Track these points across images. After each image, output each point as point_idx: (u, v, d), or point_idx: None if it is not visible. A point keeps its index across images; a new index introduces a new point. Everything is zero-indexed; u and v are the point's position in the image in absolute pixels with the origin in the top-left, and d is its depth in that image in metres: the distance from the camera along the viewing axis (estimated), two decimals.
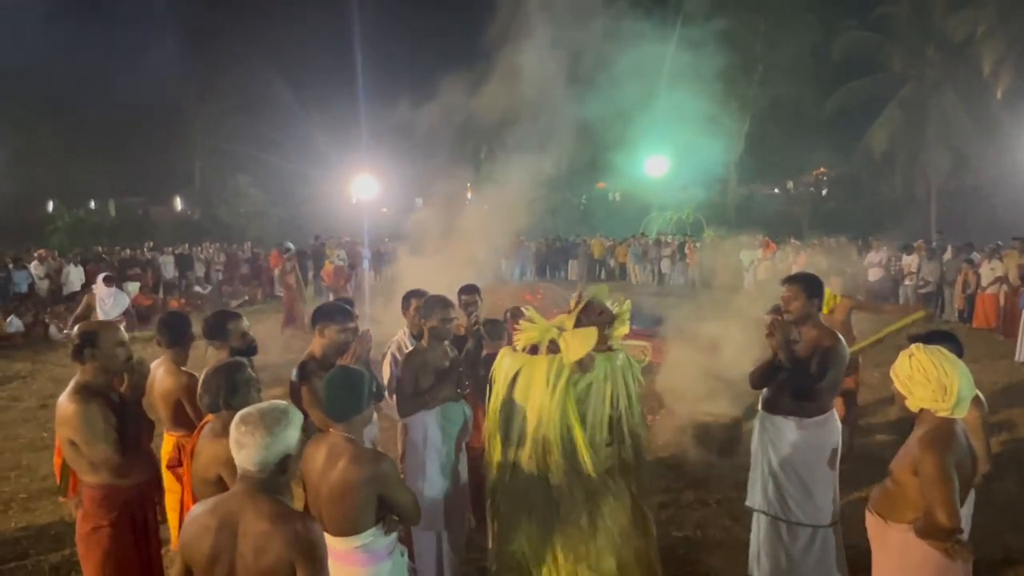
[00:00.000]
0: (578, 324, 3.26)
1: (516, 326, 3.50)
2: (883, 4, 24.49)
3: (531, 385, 3.17)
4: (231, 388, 2.68)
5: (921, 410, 2.53)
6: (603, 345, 3.21)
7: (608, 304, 3.40)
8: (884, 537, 2.66)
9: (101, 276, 11.10)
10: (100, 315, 9.80)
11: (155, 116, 32.36)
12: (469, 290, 4.82)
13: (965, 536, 2.60)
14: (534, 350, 3.29)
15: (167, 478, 3.50)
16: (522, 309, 3.71)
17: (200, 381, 2.87)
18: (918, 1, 23.72)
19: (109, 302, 10.29)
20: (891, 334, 5.74)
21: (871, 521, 2.72)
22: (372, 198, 22.50)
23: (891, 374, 2.63)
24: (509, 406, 3.25)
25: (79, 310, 10.45)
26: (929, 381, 2.46)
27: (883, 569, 2.70)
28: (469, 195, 34.34)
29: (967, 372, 2.49)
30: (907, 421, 2.70)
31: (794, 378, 3.62)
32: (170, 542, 3.62)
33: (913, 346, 2.58)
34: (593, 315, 3.28)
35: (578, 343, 3.11)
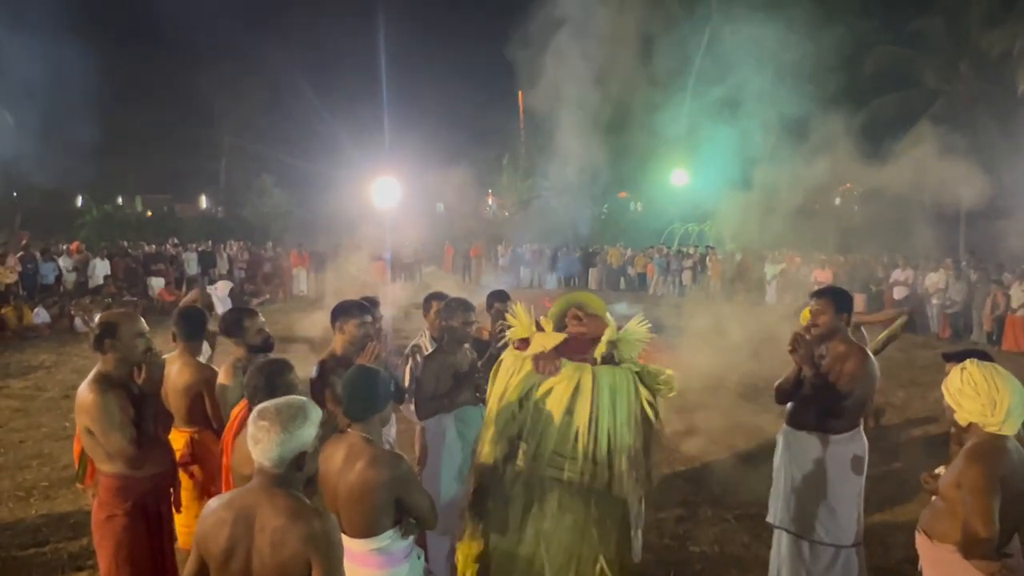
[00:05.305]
0: (557, 328, 3.22)
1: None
2: (917, 18, 24.18)
3: (499, 379, 3.17)
4: (268, 391, 2.66)
5: (970, 424, 2.49)
6: (580, 355, 3.09)
7: (602, 317, 3.30)
8: (931, 557, 2.61)
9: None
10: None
11: (184, 116, 32.95)
12: (502, 297, 4.69)
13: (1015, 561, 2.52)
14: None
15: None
16: (515, 308, 3.65)
17: (245, 375, 2.89)
18: (953, 16, 23.37)
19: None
20: (880, 346, 5.71)
21: (920, 540, 2.68)
22: (394, 203, 22.63)
23: (942, 387, 2.62)
24: (489, 394, 3.26)
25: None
26: (979, 394, 2.44)
27: None
28: (490, 201, 34.31)
29: (1020, 388, 2.45)
30: (933, 441, 2.64)
31: (819, 394, 3.54)
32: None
33: (967, 360, 2.56)
34: (570, 320, 3.22)
35: (537, 342, 3.10)
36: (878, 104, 24.07)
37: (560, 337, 3.09)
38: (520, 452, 3.02)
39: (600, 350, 3.08)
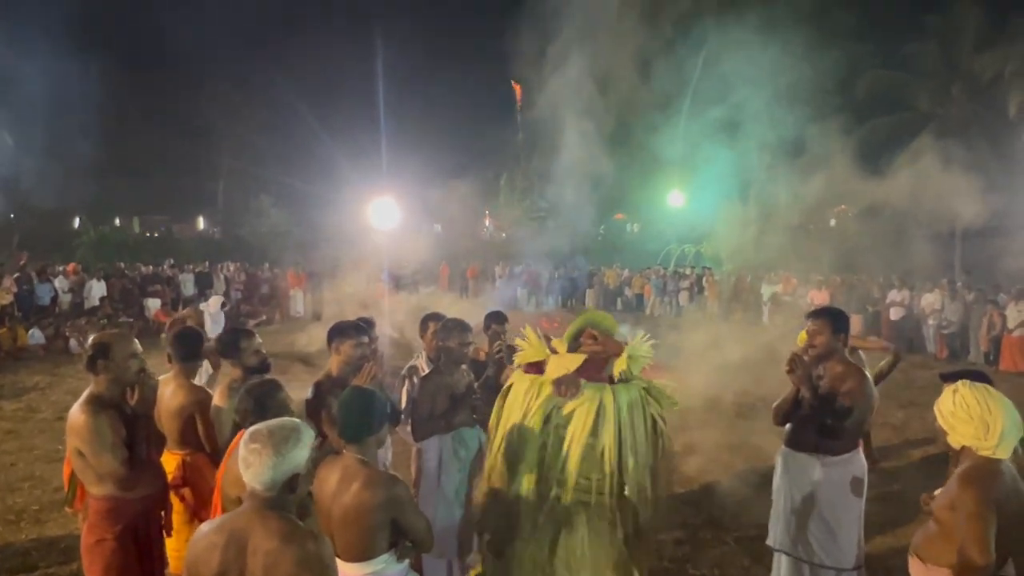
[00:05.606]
0: (572, 349, 3.20)
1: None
2: (909, 42, 24.52)
3: (514, 402, 3.12)
4: (259, 412, 2.64)
5: (963, 447, 2.46)
6: (597, 375, 3.08)
7: (615, 336, 3.29)
8: None
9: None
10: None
11: (183, 137, 33.13)
12: (500, 319, 4.67)
13: None
14: (539, 370, 3.22)
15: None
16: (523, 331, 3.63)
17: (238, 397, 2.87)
18: (945, 40, 23.72)
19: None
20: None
21: (913, 565, 2.63)
22: (392, 223, 22.66)
23: (935, 409, 2.57)
24: (496, 421, 3.20)
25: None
26: (972, 418, 2.40)
27: None
28: (487, 222, 34.41)
29: (1014, 411, 2.41)
30: (933, 461, 2.62)
31: (818, 415, 3.52)
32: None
33: (959, 382, 2.51)
34: (585, 340, 3.20)
35: (556, 365, 3.06)
36: (872, 126, 24.31)
37: (580, 359, 3.07)
38: (545, 479, 2.98)
39: (620, 367, 3.08)
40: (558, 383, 2.99)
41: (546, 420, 2.98)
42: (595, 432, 2.91)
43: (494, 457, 3.14)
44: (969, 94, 23.84)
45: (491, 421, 3.22)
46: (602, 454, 2.90)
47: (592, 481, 2.92)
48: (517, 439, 3.03)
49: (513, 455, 3.03)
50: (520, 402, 3.06)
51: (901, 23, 24.86)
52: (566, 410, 2.96)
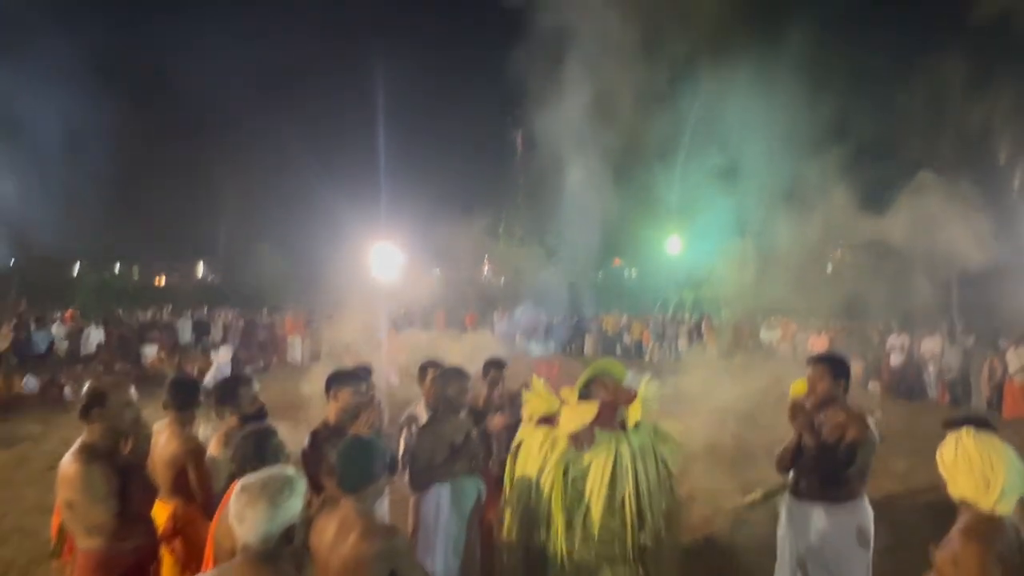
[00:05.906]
0: (583, 398, 3.19)
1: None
2: (898, 92, 25.12)
3: (528, 457, 3.08)
4: (259, 457, 2.61)
5: (962, 500, 2.39)
6: (610, 423, 3.07)
7: (624, 383, 3.30)
8: None
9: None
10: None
11: (183, 184, 33.61)
12: (499, 365, 4.65)
13: None
14: (549, 422, 3.20)
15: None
16: (530, 382, 3.63)
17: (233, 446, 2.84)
18: (933, 89, 24.31)
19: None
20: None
21: None
22: (391, 268, 22.77)
23: (937, 455, 2.50)
24: (510, 476, 3.18)
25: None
26: (972, 471, 2.31)
27: None
28: (486, 269, 34.55)
29: (1018, 465, 2.31)
30: (938, 511, 2.56)
31: (821, 463, 3.48)
32: None
33: (964, 430, 2.43)
34: (598, 389, 3.20)
35: (570, 417, 3.03)
36: (864, 174, 24.66)
37: (594, 408, 3.06)
38: (569, 533, 2.93)
39: (635, 416, 3.07)
40: (575, 438, 2.97)
41: (563, 473, 2.96)
42: (614, 482, 2.89)
43: (511, 514, 3.09)
44: (959, 142, 24.32)
45: (505, 477, 3.19)
46: (622, 503, 2.87)
47: (614, 531, 2.88)
48: (536, 495, 2.99)
49: (533, 511, 2.99)
50: (535, 456, 3.03)
51: (891, 74, 25.53)
52: (584, 461, 2.95)
